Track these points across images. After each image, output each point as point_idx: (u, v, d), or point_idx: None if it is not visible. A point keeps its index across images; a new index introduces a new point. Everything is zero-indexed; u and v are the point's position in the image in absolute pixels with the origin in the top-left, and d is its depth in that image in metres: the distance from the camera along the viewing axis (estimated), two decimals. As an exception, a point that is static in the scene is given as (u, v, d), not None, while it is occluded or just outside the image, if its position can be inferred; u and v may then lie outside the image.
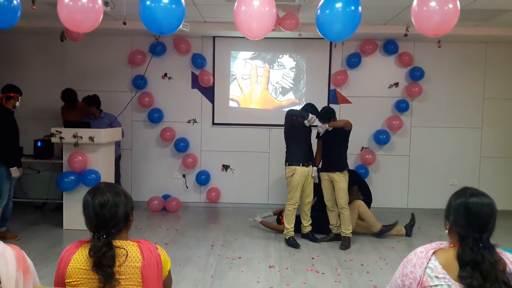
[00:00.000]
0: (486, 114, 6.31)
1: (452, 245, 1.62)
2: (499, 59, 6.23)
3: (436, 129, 6.31)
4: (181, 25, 4.92)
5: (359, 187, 5.33)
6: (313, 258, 4.31)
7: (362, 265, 4.12)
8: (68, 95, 5.73)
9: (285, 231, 4.73)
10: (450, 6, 2.90)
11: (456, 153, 6.32)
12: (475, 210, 1.58)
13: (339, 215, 4.76)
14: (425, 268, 1.57)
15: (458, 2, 2.96)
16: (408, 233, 4.99)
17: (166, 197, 6.19)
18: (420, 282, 1.56)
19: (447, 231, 1.67)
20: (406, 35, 5.02)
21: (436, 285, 1.54)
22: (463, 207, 1.60)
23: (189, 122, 6.35)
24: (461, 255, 1.54)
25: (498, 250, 1.57)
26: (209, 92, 6.34)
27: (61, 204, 5.12)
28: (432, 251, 1.60)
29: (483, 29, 5.51)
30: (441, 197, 1.71)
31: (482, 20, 5.18)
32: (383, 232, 4.92)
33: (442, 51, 5.74)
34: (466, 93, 6.28)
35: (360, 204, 4.96)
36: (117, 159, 5.77)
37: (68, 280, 1.63)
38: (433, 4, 2.93)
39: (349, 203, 5.13)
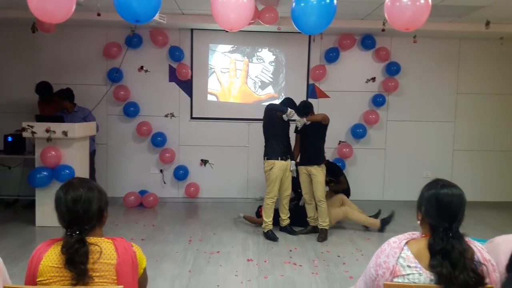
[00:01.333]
0: (459, 108, 6.47)
1: (424, 235, 1.66)
2: (472, 55, 6.39)
3: (411, 123, 6.44)
4: (158, 17, 4.87)
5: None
6: (291, 250, 4.34)
7: (338, 256, 4.18)
8: (43, 88, 5.57)
9: (263, 224, 4.75)
10: (422, 1, 2.96)
11: (430, 146, 6.47)
12: (446, 201, 1.62)
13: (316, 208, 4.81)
14: (398, 257, 1.60)
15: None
16: (381, 230, 5.01)
17: (143, 192, 6.11)
18: (393, 272, 1.59)
19: (419, 221, 1.71)
20: (383, 30, 5.08)
21: (408, 274, 1.58)
22: (434, 198, 1.64)
23: (166, 116, 6.27)
24: (432, 244, 1.58)
25: (467, 239, 1.61)
26: (187, 86, 6.27)
27: (34, 201, 4.99)
28: (404, 241, 1.64)
29: (457, 25, 5.63)
30: (416, 189, 1.75)
31: (456, 16, 5.29)
32: (384, 226, 4.96)
33: (417, 46, 5.84)
34: (440, 88, 6.41)
35: (347, 211, 4.96)
36: (92, 154, 5.65)
37: (40, 279, 1.60)
38: (405, -1, 2.99)
39: (337, 192, 5.20)
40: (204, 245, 4.45)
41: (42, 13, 3.06)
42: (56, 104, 5.51)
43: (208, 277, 3.64)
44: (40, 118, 4.95)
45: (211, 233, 4.86)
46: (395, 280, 1.59)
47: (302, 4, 2.99)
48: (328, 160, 5.61)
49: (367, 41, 6.20)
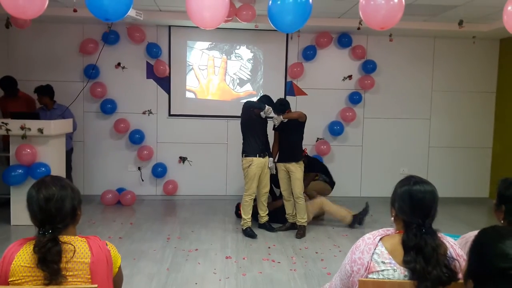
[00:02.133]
0: (434, 105, 6.61)
1: (397, 231, 1.69)
2: (446, 53, 6.53)
3: (387, 120, 6.55)
4: (135, 13, 4.80)
5: (322, 173, 5.51)
6: (269, 247, 4.37)
7: (316, 253, 4.23)
8: (7, 83, 5.39)
9: (242, 222, 4.76)
10: (396, 0, 3.02)
11: (406, 143, 6.60)
12: (419, 197, 1.64)
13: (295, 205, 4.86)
14: (373, 254, 1.62)
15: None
16: (359, 222, 5.07)
17: (120, 190, 6.03)
18: (368, 268, 1.61)
19: (392, 218, 1.74)
20: (359, 28, 5.14)
21: (383, 270, 1.60)
22: (407, 194, 1.66)
23: (144, 113, 6.20)
24: (405, 240, 1.60)
25: (440, 234, 1.64)
26: (165, 83, 6.21)
27: (9, 199, 4.87)
28: (379, 237, 1.66)
29: (431, 24, 5.75)
30: (393, 186, 1.77)
31: (430, 15, 5.40)
32: (355, 222, 5.03)
33: (393, 44, 5.93)
34: (415, 86, 6.54)
35: (323, 201, 5.06)
36: (69, 152, 5.54)
37: (12, 279, 1.57)
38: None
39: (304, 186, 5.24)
40: (182, 243, 4.43)
41: (14, 8, 2.98)
42: (21, 100, 5.38)
43: (186, 275, 3.63)
44: (15, 115, 4.83)
45: (189, 231, 4.84)
46: (370, 276, 1.61)
47: (279, 2, 3.00)
48: (307, 155, 5.68)
49: (344, 39, 6.26)
